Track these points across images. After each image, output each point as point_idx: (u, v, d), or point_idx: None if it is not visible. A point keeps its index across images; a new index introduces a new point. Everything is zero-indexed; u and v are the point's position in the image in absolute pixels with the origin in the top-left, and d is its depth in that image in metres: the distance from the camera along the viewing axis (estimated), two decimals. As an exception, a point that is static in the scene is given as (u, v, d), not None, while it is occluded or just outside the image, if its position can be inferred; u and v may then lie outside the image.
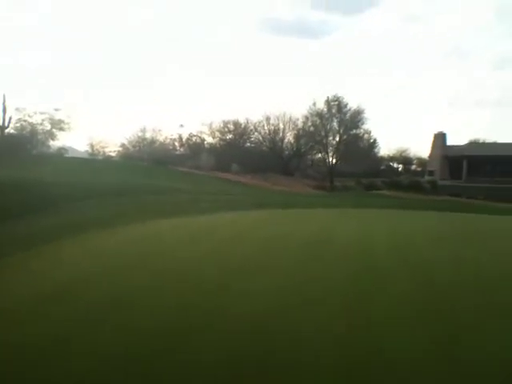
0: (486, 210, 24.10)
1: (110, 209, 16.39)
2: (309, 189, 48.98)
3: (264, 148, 63.93)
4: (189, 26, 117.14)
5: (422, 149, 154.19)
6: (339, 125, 55.99)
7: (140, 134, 59.58)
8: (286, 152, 64.26)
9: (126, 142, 59.94)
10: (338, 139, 56.17)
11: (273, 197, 28.86)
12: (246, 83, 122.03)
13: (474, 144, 79.39)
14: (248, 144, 65.68)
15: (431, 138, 76.80)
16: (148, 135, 59.56)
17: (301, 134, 61.46)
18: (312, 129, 57.74)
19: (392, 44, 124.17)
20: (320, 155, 61.87)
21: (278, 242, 10.15)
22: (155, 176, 35.79)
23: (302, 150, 63.92)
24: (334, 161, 56.93)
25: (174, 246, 9.83)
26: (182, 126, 63.08)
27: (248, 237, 11.01)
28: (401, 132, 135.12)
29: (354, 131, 56.91)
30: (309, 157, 66.66)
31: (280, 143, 64.06)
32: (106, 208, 16.49)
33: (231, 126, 63.47)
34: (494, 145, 75.81)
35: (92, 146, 56.05)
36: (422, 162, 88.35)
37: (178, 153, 60.05)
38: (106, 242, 10.68)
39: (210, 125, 63.72)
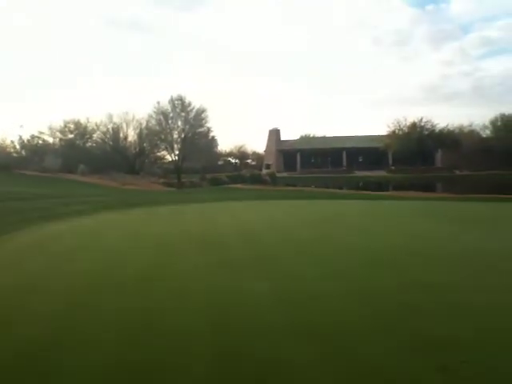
0: (329, 196, 27.83)
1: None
2: (159, 186, 49.69)
3: (107, 147, 62.98)
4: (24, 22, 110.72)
5: (257, 144, 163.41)
6: (184, 123, 57.57)
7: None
8: (130, 151, 64.07)
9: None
10: (183, 136, 57.63)
11: (136, 196, 29.48)
12: (87, 82, 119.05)
13: (305, 138, 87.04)
14: (90, 144, 64.17)
15: (266, 134, 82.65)
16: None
17: (145, 133, 61.81)
18: (157, 127, 58.47)
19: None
20: (165, 152, 63.08)
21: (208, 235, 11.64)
22: (2, 181, 33.91)
23: (147, 148, 64.29)
24: (180, 158, 58.25)
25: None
26: (21, 126, 59.85)
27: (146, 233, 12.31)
28: (236, 129, 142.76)
29: (199, 129, 58.76)
30: (151, 155, 67.09)
31: (124, 142, 63.71)
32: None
33: (71, 126, 61.46)
34: (323, 139, 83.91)
35: None
36: (257, 156, 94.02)
37: (17, 155, 56.29)
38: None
39: (50, 125, 61.24)
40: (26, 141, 58.89)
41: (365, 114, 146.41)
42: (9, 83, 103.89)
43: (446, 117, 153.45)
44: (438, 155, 72.07)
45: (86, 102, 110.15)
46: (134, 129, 63.39)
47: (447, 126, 70.01)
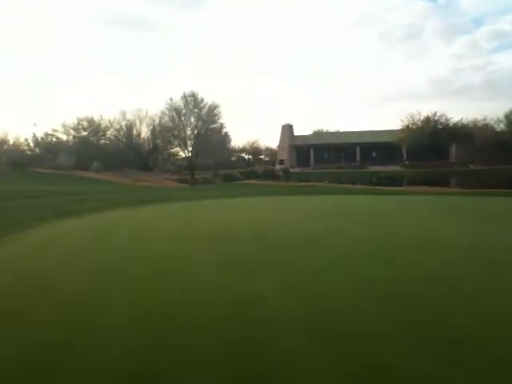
0: (342, 191, 27.85)
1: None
2: (172, 182, 49.96)
3: (121, 144, 63.42)
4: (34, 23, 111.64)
5: (270, 139, 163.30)
6: (197, 119, 57.71)
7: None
8: (144, 147, 64.44)
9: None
10: (196, 133, 57.79)
11: (149, 193, 29.67)
12: (99, 80, 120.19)
13: (318, 134, 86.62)
14: (103, 141, 64.68)
15: (279, 129, 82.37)
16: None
17: (158, 130, 62.13)
18: (170, 124, 58.72)
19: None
20: (178, 149, 63.36)
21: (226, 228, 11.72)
22: (17, 179, 34.33)
23: (160, 145, 64.61)
24: (194, 154, 58.43)
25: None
26: (35, 124, 60.61)
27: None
28: (249, 124, 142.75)
29: (212, 125, 58.88)
30: (165, 152, 67.47)
31: (137, 138, 64.10)
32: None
33: (85, 123, 61.96)
34: (336, 134, 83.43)
35: None
36: (270, 151, 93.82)
37: (31, 153, 56.91)
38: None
39: (64, 123, 61.82)
40: (39, 138, 59.81)
41: (374, 111, 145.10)
42: (23, 83, 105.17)
43: (457, 111, 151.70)
44: (453, 150, 71.33)
45: (97, 100, 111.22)
46: (147, 126, 63.89)
47: (461, 120, 69.26)
